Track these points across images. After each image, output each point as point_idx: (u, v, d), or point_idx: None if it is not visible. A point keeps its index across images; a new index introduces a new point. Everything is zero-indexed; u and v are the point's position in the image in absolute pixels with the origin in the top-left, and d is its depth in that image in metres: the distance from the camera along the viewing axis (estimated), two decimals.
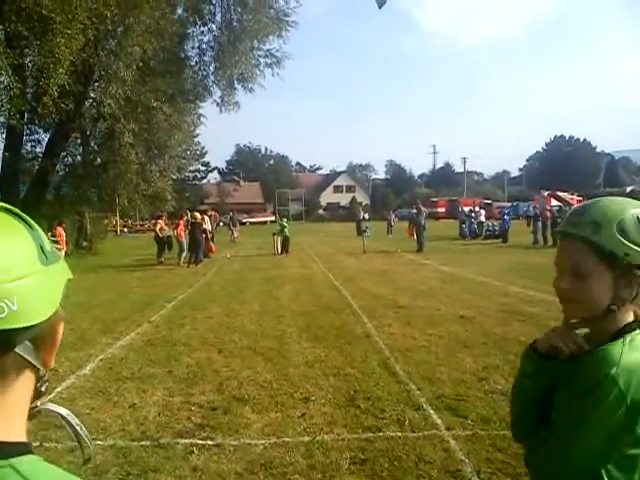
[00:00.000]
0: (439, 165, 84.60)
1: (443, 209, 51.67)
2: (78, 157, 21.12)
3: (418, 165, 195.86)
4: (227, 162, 77.68)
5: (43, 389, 0.66)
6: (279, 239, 19.85)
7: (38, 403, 0.67)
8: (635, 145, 72.78)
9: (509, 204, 43.21)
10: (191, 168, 44.72)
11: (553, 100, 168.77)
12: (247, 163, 74.59)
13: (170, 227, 18.40)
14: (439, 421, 3.99)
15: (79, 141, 20.69)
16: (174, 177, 25.15)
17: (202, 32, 20.57)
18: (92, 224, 23.51)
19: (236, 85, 20.93)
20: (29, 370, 0.61)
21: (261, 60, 20.72)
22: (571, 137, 76.14)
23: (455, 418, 4.04)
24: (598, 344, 1.07)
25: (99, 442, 3.65)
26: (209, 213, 22.86)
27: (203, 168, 61.24)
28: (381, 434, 3.80)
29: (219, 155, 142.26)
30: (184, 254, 16.38)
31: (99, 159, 20.51)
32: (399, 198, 64.79)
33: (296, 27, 20.32)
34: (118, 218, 39.22)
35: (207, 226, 18.34)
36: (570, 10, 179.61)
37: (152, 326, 7.57)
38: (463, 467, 3.31)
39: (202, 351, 6.14)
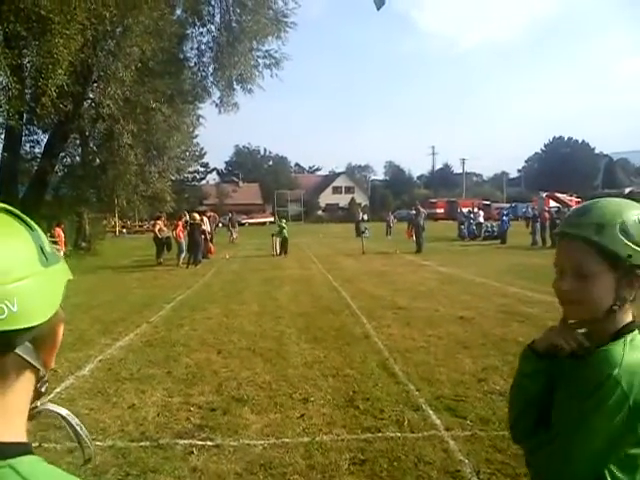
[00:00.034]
0: (438, 166, 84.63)
1: (442, 210, 51.82)
2: (77, 158, 21.15)
3: (417, 166, 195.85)
4: (226, 163, 77.94)
5: (43, 390, 0.66)
6: (278, 240, 19.83)
7: (38, 403, 0.67)
8: (634, 146, 72.74)
9: (508, 205, 43.16)
10: (190, 169, 45.01)
11: (552, 102, 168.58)
12: (246, 164, 74.62)
13: (169, 228, 18.41)
14: (438, 422, 3.99)
15: (78, 142, 20.71)
16: (173, 178, 25.22)
17: (201, 33, 20.67)
18: (91, 225, 23.50)
19: (235, 86, 21.02)
20: (29, 371, 0.62)
21: (260, 61, 20.82)
22: (570, 138, 76.38)
23: (454, 419, 4.04)
24: (598, 344, 1.06)
25: (98, 443, 3.64)
26: (208, 214, 22.88)
27: (202, 169, 61.37)
28: (380, 435, 3.80)
29: (218, 156, 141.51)
30: (183, 255, 16.37)
31: (98, 160, 20.50)
32: (398, 199, 64.86)
33: (295, 28, 20.45)
34: (117, 219, 39.23)
35: (206, 227, 18.35)
36: (569, 11, 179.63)
37: (151, 327, 7.56)
38: (462, 467, 3.31)
39: (201, 352, 6.13)
